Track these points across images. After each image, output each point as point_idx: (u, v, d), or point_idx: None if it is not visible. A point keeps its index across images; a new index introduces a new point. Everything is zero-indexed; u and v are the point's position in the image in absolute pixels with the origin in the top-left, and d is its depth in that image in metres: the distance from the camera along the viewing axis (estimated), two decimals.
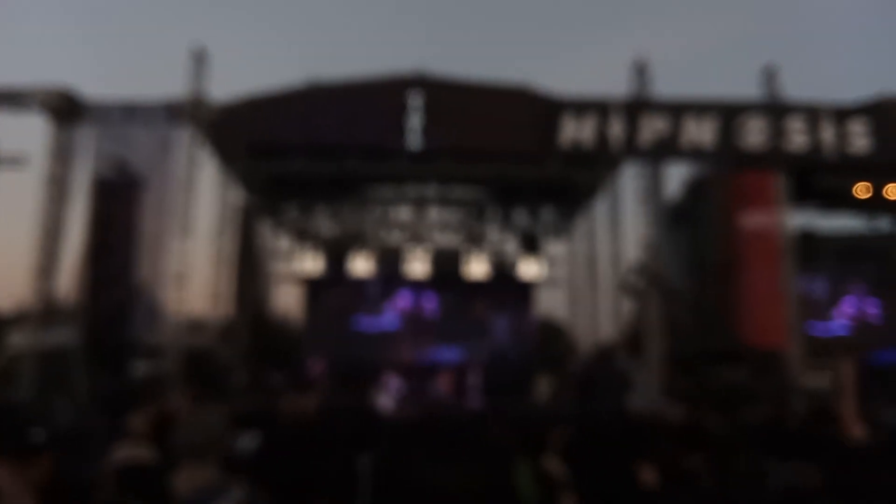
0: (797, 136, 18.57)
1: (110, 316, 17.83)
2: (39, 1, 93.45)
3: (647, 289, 18.86)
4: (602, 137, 18.38)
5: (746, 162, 18.83)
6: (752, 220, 18.94)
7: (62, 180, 18.23)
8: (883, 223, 22.95)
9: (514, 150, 18.74)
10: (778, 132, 18.52)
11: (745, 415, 9.80)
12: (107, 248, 18.18)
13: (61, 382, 17.38)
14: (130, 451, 3.71)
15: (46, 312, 18.17)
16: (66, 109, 18.24)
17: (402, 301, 24.22)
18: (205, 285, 20.84)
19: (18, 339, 17.95)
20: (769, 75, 19.35)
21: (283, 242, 25.06)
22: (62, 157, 18.26)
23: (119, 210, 18.41)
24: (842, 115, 18.66)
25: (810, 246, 22.38)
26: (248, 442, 4.37)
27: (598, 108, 18.51)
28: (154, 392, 15.03)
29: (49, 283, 18.22)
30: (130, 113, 18.50)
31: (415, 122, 18.36)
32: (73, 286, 18.46)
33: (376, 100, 18.63)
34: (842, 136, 18.51)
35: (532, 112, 18.60)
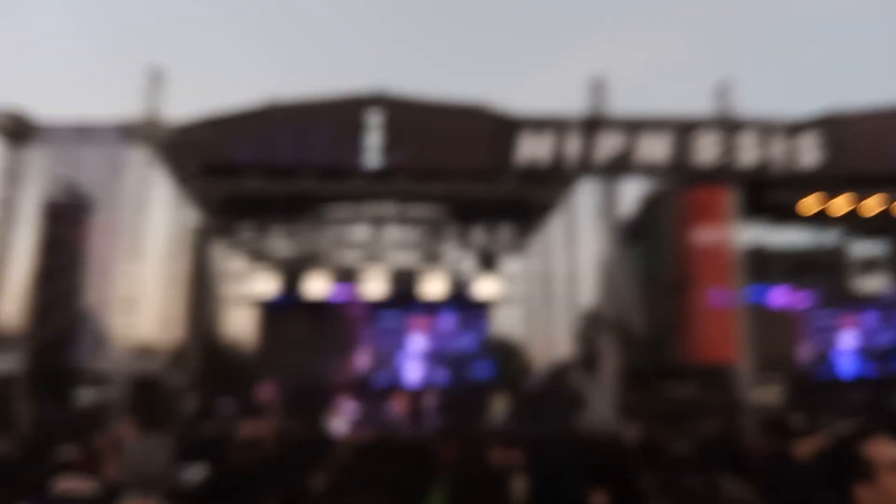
0: (749, 151, 19.08)
1: (55, 342, 17.36)
2: None
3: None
4: (558, 154, 18.66)
5: (699, 177, 19.27)
6: (704, 235, 19.35)
7: (11, 203, 17.78)
8: (831, 237, 23.73)
9: (470, 168, 18.88)
10: (730, 147, 19.00)
11: (696, 430, 9.99)
12: (54, 272, 17.74)
13: (2, 411, 16.83)
14: (69, 483, 3.62)
15: None
16: (16, 130, 17.83)
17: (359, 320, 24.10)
18: (155, 309, 20.47)
19: None
20: (722, 91, 19.85)
21: (237, 264, 24.71)
22: (12, 179, 17.84)
23: (68, 233, 17.99)
24: (793, 129, 19.22)
25: (761, 260, 23.03)
26: (194, 473, 4.30)
27: (555, 126, 18.77)
28: (98, 421, 14.66)
29: None
30: (82, 134, 18.16)
31: (372, 141, 18.39)
32: (17, 311, 17.95)
33: (333, 118, 18.62)
34: (792, 151, 19.08)
35: (488, 130, 18.79)
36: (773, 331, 23.20)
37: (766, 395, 18.57)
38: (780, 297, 23.95)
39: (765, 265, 23.34)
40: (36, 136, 18.07)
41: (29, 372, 17.08)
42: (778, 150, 19.09)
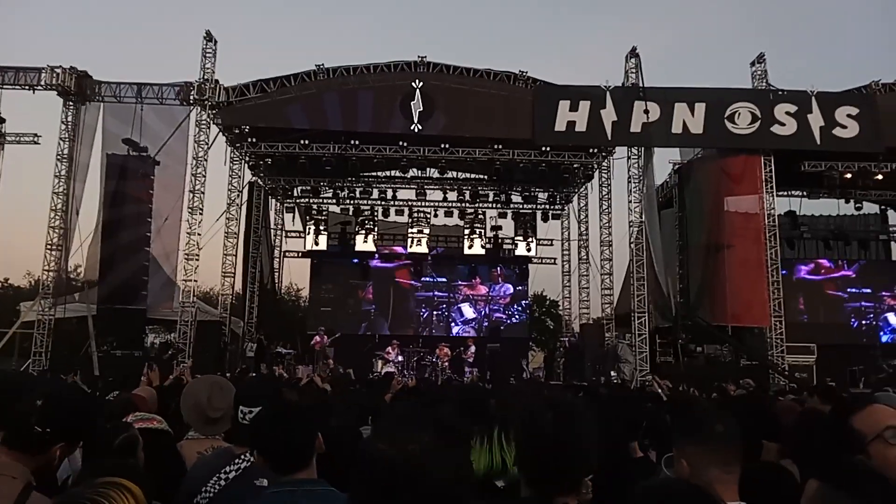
0: (784, 122, 18.44)
1: (124, 289, 17.84)
2: None
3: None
4: (596, 123, 18.28)
5: (734, 147, 18.73)
6: (740, 202, 18.89)
7: (75, 158, 18.10)
8: (865, 207, 22.87)
9: (511, 135, 18.65)
10: (766, 118, 18.39)
11: (726, 390, 9.82)
12: (120, 224, 18.14)
13: (77, 353, 17.44)
14: (143, 420, 3.70)
15: (61, 286, 18.18)
16: (78, 89, 18.07)
17: (404, 277, 24.29)
18: (215, 261, 20.88)
19: (33, 312, 17.95)
20: (758, 63, 19.20)
21: (290, 220, 25.03)
22: (75, 135, 18.13)
23: (131, 187, 18.33)
24: (829, 101, 18.51)
25: (794, 226, 22.42)
26: (250, 414, 4.34)
27: (593, 95, 18.38)
28: (165, 362, 15.09)
29: (63, 258, 18.21)
30: (142, 93, 18.35)
31: (417, 107, 18.24)
32: (87, 261, 18.47)
33: (379, 84, 18.50)
34: (829, 123, 18.37)
35: (530, 97, 18.49)
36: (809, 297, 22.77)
37: (798, 359, 18.19)
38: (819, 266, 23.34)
39: (799, 234, 22.76)
40: (97, 94, 18.29)
41: (100, 317, 17.63)
42: (814, 121, 18.36)
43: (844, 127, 18.40)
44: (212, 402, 3.24)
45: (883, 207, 24.06)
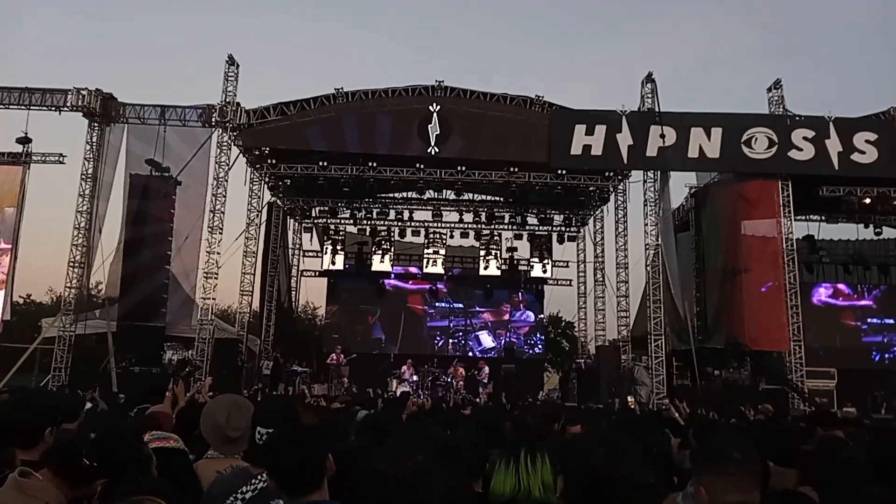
0: (802, 147, 18.37)
1: (144, 307, 18.03)
2: (79, 7, 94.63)
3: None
4: (612, 146, 18.33)
5: (751, 171, 18.68)
6: (757, 226, 18.78)
7: (99, 178, 18.43)
8: (885, 232, 22.61)
9: (527, 158, 18.75)
10: (783, 143, 18.33)
11: (745, 414, 9.70)
12: (141, 243, 18.38)
13: (96, 369, 17.58)
14: (158, 440, 3.74)
15: (82, 303, 18.41)
16: (103, 110, 18.45)
17: (417, 302, 24.33)
18: (233, 279, 21.08)
19: (54, 328, 18.18)
20: (775, 89, 19.19)
21: (308, 240, 25.23)
22: (99, 155, 18.47)
23: (153, 207, 18.60)
24: (847, 127, 18.44)
25: (813, 251, 22.20)
26: (267, 432, 4.36)
27: (609, 119, 18.45)
28: (183, 380, 15.17)
29: (85, 276, 18.46)
30: (165, 115, 18.69)
31: (434, 130, 18.41)
32: (108, 278, 18.71)
33: (397, 108, 18.71)
34: (847, 148, 18.27)
35: (546, 121, 18.59)
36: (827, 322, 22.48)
37: (817, 383, 17.95)
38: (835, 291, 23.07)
39: (818, 258, 22.53)
40: (121, 115, 18.64)
41: (121, 333, 17.81)
42: (832, 146, 18.27)
43: (863, 152, 18.29)
44: (230, 421, 3.28)
45: None
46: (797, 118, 18.75)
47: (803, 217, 21.52)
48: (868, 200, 19.14)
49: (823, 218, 22.14)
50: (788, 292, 18.12)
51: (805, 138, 18.36)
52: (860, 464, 2.95)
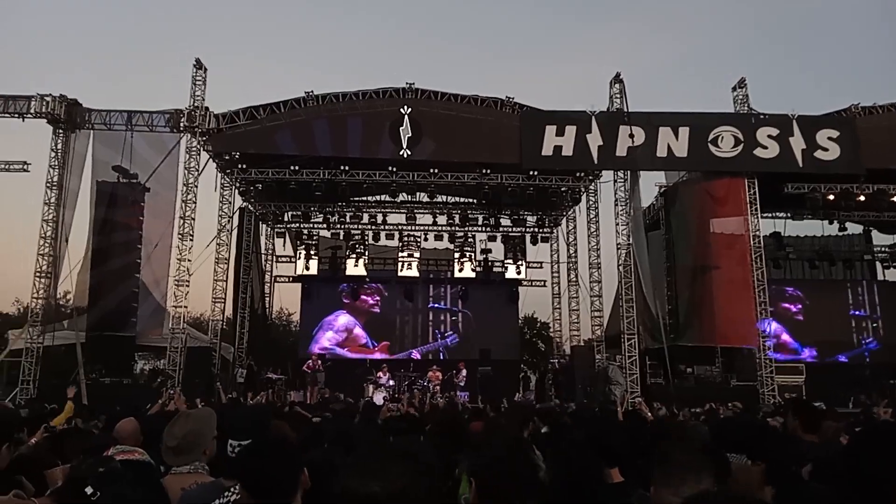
0: (767, 146, 18.68)
1: (114, 316, 17.69)
2: (43, 12, 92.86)
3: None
4: (582, 147, 18.46)
5: (718, 170, 18.95)
6: (725, 224, 19.05)
7: (65, 186, 18.04)
8: (850, 228, 23.08)
9: (499, 159, 18.80)
10: (748, 142, 18.62)
11: (715, 411, 9.83)
12: (109, 251, 18.04)
13: (64, 381, 17.19)
14: (123, 452, 3.65)
15: (50, 313, 18.02)
16: (67, 116, 18.08)
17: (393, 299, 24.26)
18: (205, 287, 20.79)
19: (21, 339, 17.76)
20: (740, 88, 19.50)
21: (281, 245, 24.98)
22: (64, 163, 18.10)
23: (121, 214, 18.26)
24: (810, 125, 18.78)
25: (780, 247, 22.59)
26: (239, 444, 4.30)
27: (579, 120, 18.57)
28: (152, 390, 14.93)
29: (53, 286, 18.07)
30: (132, 121, 18.37)
31: (405, 133, 18.37)
32: (76, 288, 18.33)
33: (368, 111, 18.63)
34: (810, 146, 18.62)
35: (517, 122, 18.65)
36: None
37: (787, 379, 18.27)
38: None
39: (785, 254, 22.93)
40: (87, 121, 18.29)
41: (90, 344, 17.44)
42: (796, 144, 18.62)
43: (826, 149, 18.66)
44: (171, 429, 3.20)
45: (867, 228, 24.29)
46: (762, 116, 19.08)
47: (770, 214, 21.88)
48: (832, 197, 19.49)
49: (789, 215, 22.54)
50: (757, 289, 18.41)
51: (770, 136, 18.69)
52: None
